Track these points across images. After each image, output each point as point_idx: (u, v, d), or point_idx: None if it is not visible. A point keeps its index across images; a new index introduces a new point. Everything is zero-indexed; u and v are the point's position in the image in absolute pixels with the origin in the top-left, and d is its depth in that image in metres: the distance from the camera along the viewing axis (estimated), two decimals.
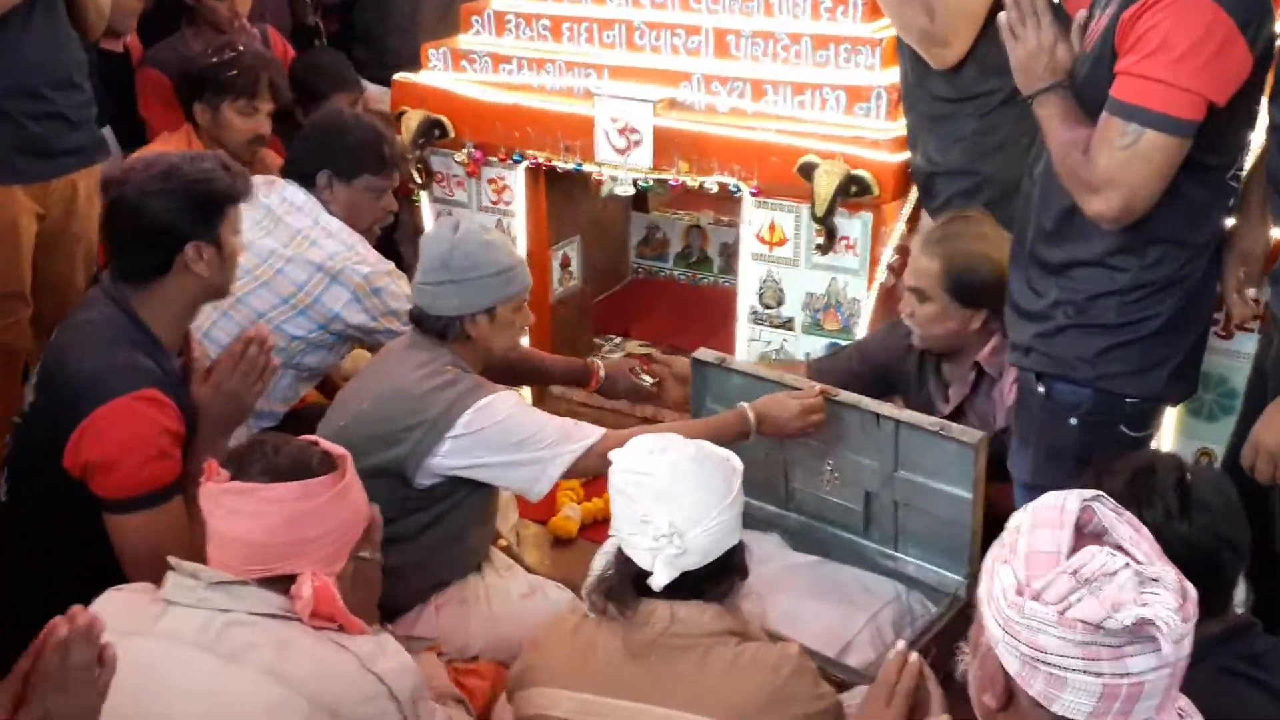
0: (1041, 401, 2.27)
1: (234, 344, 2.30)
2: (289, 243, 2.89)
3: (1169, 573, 1.31)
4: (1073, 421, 2.24)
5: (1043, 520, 1.35)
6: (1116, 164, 1.98)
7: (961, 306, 2.61)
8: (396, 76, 3.61)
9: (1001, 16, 2.17)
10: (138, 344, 2.19)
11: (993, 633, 1.34)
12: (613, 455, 1.87)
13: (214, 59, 3.53)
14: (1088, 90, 2.09)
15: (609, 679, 1.76)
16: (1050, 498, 1.38)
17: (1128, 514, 1.38)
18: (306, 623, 1.66)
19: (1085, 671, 1.27)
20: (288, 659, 1.64)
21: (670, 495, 1.78)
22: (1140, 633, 1.25)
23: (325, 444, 1.81)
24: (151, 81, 3.89)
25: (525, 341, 3.24)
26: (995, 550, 1.38)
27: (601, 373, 3.08)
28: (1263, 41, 1.98)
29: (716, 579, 1.83)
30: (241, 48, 3.59)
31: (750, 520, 1.92)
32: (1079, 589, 1.28)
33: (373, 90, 4.29)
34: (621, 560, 1.84)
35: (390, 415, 2.34)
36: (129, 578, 2.00)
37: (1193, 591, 1.31)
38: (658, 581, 1.77)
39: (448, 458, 2.35)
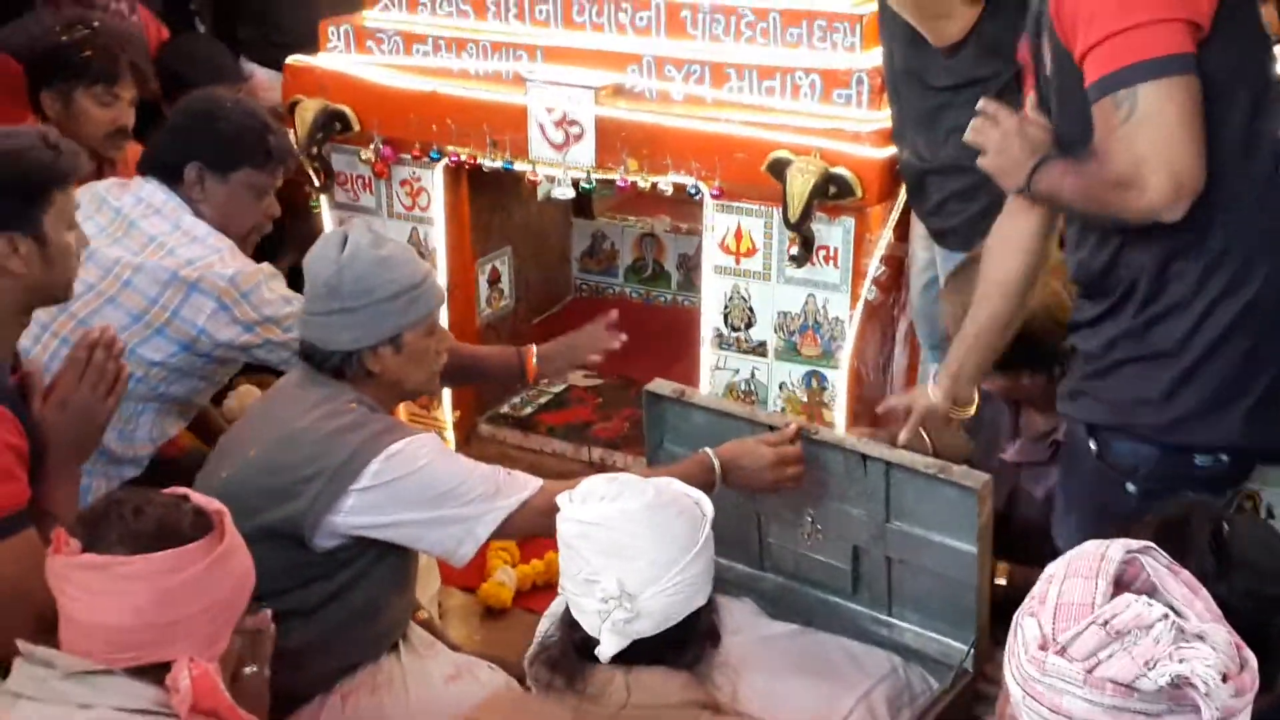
0: (1092, 461, 2.23)
1: (75, 350, 2.26)
2: (140, 250, 2.82)
3: (1220, 633, 1.32)
4: (1130, 487, 2.18)
5: (1078, 569, 1.36)
6: (1129, 142, 1.93)
7: (994, 369, 2.57)
8: (289, 60, 3.60)
9: (968, 135, 2.23)
10: None
11: (1013, 695, 1.35)
12: (560, 502, 1.87)
13: (63, 37, 3.49)
14: (1065, 112, 2.11)
15: None
16: (1091, 545, 1.39)
17: (1185, 572, 1.38)
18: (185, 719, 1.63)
19: None
20: None
21: (621, 550, 1.77)
22: (1181, 700, 1.26)
23: (197, 498, 1.78)
24: None
25: None
26: (1025, 604, 1.39)
27: (534, 358, 3.06)
28: None
29: (679, 647, 1.83)
30: (97, 23, 3.55)
31: (719, 583, 1.91)
32: (1110, 643, 1.29)
33: (261, 76, 4.28)
34: (567, 624, 1.84)
35: (283, 464, 2.32)
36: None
37: (1253, 661, 1.32)
38: (605, 651, 1.77)
39: (353, 515, 2.32)
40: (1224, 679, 1.27)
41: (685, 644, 1.84)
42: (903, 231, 3.21)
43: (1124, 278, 2.14)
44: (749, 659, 2.56)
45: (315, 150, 3.51)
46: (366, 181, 3.60)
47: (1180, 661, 1.26)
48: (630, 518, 1.79)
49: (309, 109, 3.47)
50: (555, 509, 2.13)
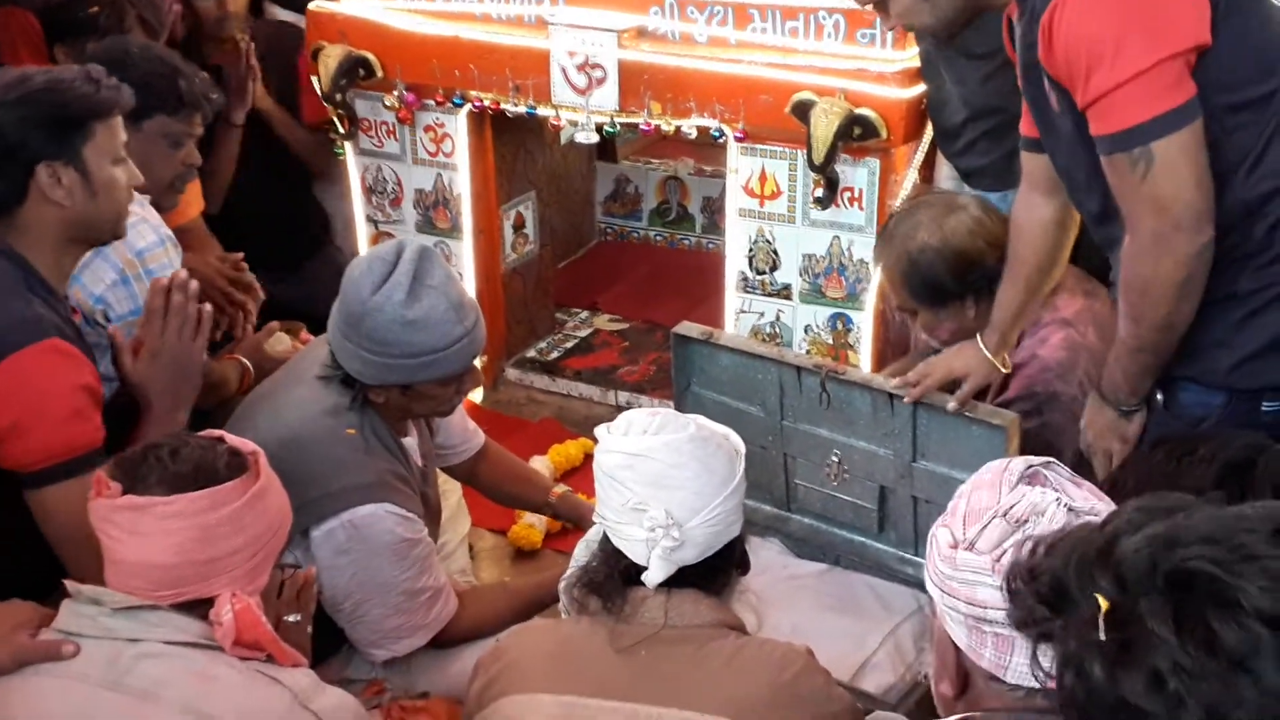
0: (1159, 413, 2.24)
1: (151, 300, 2.30)
2: None
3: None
4: None
5: (983, 483, 1.45)
6: (1150, 197, 1.98)
7: (940, 306, 2.65)
8: (311, 6, 3.61)
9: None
10: (32, 289, 2.21)
11: (937, 602, 1.43)
12: (600, 434, 1.93)
13: None
14: (1031, 81, 2.13)
15: (595, 678, 1.82)
16: (994, 462, 1.48)
17: (1087, 483, 1.45)
18: (229, 652, 1.69)
19: None
20: (211, 695, 1.66)
21: (667, 481, 1.84)
22: None
23: (232, 439, 1.83)
24: (16, 23, 3.87)
25: None
26: (938, 520, 1.47)
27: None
28: None
29: (714, 573, 1.90)
30: None
31: (746, 524, 1.98)
32: (1012, 533, 1.37)
33: (283, 15, 4.28)
34: (609, 551, 1.90)
35: (281, 467, 2.14)
36: (66, 564, 2.08)
37: None
38: (652, 578, 1.84)
39: (308, 552, 2.30)
40: None
41: (720, 571, 1.91)
42: (928, 172, 3.21)
43: None
44: (776, 598, 2.62)
45: (339, 97, 3.53)
46: (391, 128, 3.63)
47: None
48: (675, 449, 1.85)
49: (332, 55, 3.49)
50: (447, 642, 2.44)
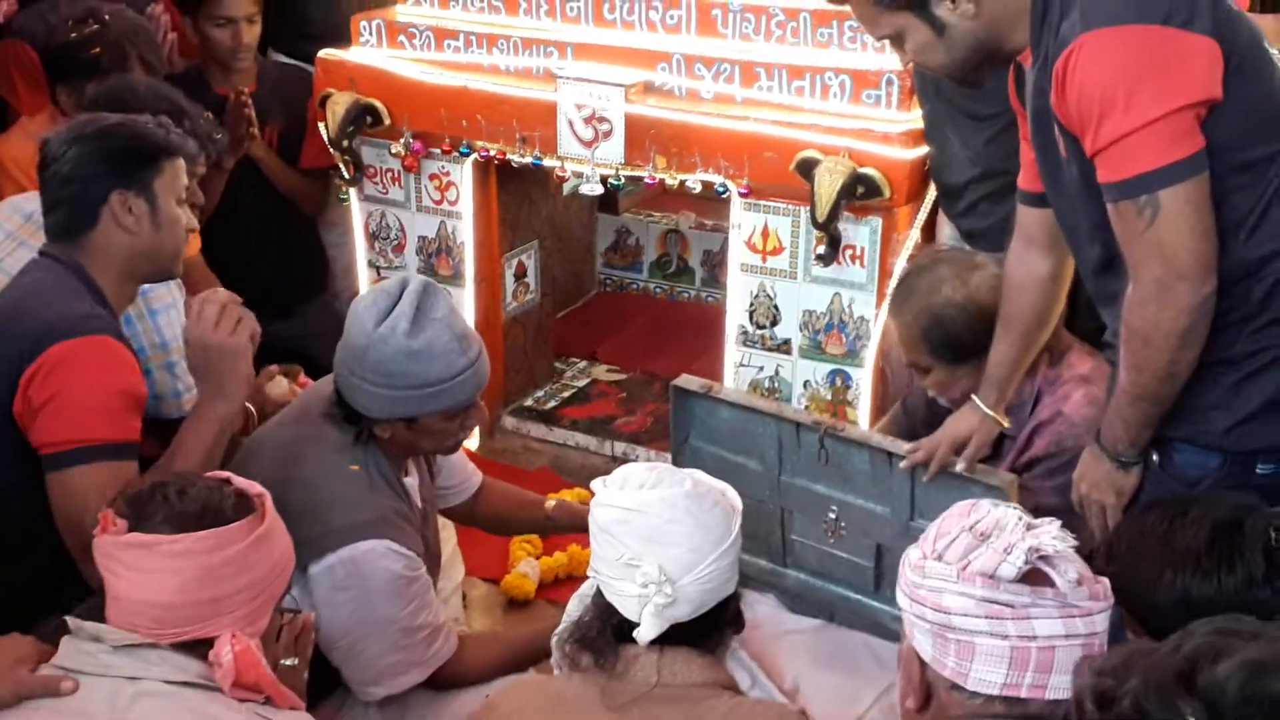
0: (1154, 473, 2.22)
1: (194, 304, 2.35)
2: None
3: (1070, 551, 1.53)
4: None
5: (952, 514, 1.59)
6: (1155, 245, 1.98)
7: (958, 364, 2.65)
8: (321, 54, 3.66)
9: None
10: (96, 299, 2.35)
11: (905, 613, 1.57)
12: (596, 487, 1.93)
13: (73, 34, 3.52)
14: (1040, 128, 2.15)
15: None
16: (962, 502, 1.61)
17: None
18: (228, 693, 1.69)
19: (991, 634, 1.48)
20: None
21: (661, 537, 1.83)
22: (1041, 594, 1.48)
23: (239, 481, 1.84)
24: (14, 56, 3.89)
25: None
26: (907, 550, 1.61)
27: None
28: (1202, 19, 1.97)
29: (709, 631, 1.90)
30: (108, 17, 3.58)
31: (742, 579, 1.98)
32: (977, 546, 1.52)
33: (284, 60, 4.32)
34: (602, 606, 1.89)
35: (284, 504, 2.12)
36: (69, 545, 2.17)
37: (1107, 582, 1.54)
38: (644, 635, 1.83)
39: (307, 591, 2.30)
40: (1079, 583, 1.50)
41: (713, 629, 1.90)
42: (930, 232, 3.25)
43: None
44: (770, 653, 2.62)
45: (346, 143, 3.57)
46: (396, 175, 3.66)
47: (1031, 538, 1.49)
48: (671, 505, 1.85)
49: (340, 102, 3.53)
50: (444, 684, 2.42)
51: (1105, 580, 1.55)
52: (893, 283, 3.08)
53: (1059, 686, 1.48)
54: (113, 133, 2.40)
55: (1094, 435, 2.27)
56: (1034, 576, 1.50)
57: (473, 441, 3.58)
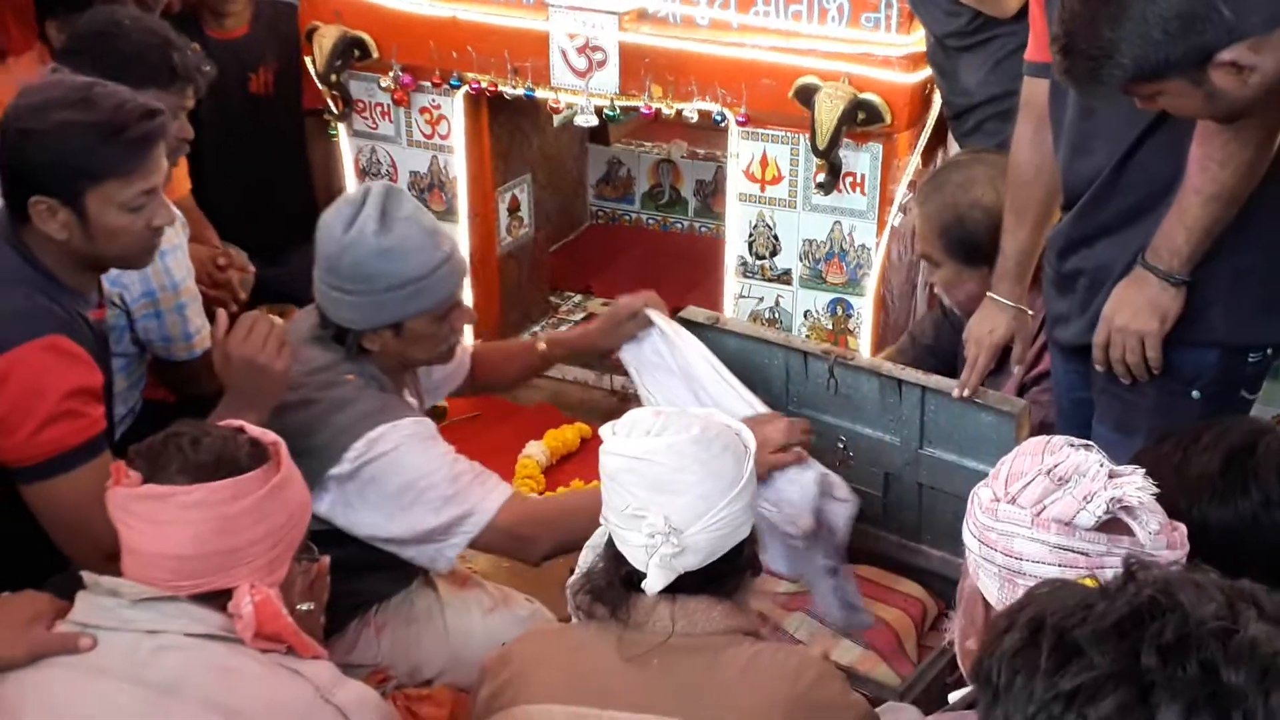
0: (1156, 381, 2.25)
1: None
2: None
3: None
4: (1195, 394, 2.22)
5: (1025, 451, 1.55)
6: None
7: (968, 266, 2.65)
8: None
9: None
10: (35, 285, 2.22)
11: (971, 555, 1.54)
12: (604, 434, 1.88)
13: None
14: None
15: (605, 688, 1.79)
16: (1037, 438, 1.57)
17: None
18: (250, 644, 1.68)
19: None
20: (232, 688, 1.65)
21: (668, 486, 1.78)
22: (1118, 541, 1.44)
23: (253, 429, 1.81)
24: None
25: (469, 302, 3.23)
26: (977, 485, 1.58)
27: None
28: None
29: (723, 578, 1.87)
30: None
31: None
32: (1054, 490, 1.47)
33: None
34: (611, 556, 1.86)
35: (289, 426, 2.17)
36: (62, 548, 2.14)
37: (1184, 529, 1.50)
38: (651, 585, 1.80)
39: (334, 509, 2.30)
40: (1158, 533, 1.45)
41: (728, 575, 1.86)
42: (930, 156, 3.21)
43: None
44: None
45: (334, 78, 3.50)
46: (385, 109, 3.60)
47: (1114, 488, 1.45)
48: (677, 452, 1.79)
49: (327, 36, 3.46)
50: (519, 533, 2.32)
51: (1182, 527, 1.52)
52: (898, 203, 3.06)
53: None
54: (57, 131, 2.18)
55: (1140, 259, 2.18)
56: (1110, 524, 1.47)
57: None
